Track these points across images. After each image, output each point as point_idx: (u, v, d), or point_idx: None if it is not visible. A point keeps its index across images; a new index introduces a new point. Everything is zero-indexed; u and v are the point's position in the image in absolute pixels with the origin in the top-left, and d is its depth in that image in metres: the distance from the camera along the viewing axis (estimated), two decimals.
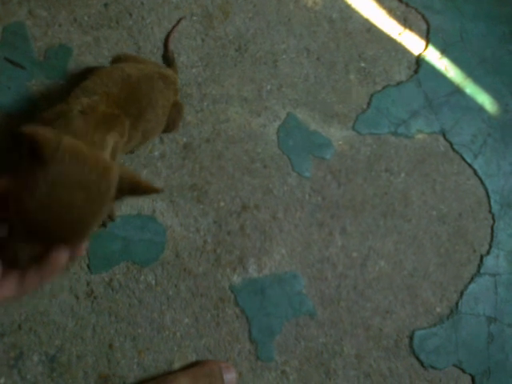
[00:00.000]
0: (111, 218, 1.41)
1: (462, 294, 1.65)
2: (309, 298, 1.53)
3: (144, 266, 1.43)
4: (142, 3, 1.62)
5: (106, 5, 1.58)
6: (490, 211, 1.75)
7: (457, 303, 1.64)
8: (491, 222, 1.75)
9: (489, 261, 1.70)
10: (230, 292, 1.47)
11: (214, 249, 1.49)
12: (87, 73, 1.26)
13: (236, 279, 1.48)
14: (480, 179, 1.77)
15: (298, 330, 1.50)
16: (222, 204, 1.53)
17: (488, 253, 1.71)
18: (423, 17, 1.88)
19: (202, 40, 1.64)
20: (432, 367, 1.57)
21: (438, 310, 1.62)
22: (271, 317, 1.48)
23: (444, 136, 1.78)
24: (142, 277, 1.42)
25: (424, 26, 1.88)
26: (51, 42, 1.51)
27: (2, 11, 1.48)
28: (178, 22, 1.63)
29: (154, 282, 1.42)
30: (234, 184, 1.56)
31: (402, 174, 1.70)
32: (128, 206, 1.46)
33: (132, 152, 1.46)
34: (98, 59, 1.53)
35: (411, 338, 1.58)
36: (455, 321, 1.62)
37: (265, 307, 1.48)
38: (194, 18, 1.65)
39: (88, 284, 1.38)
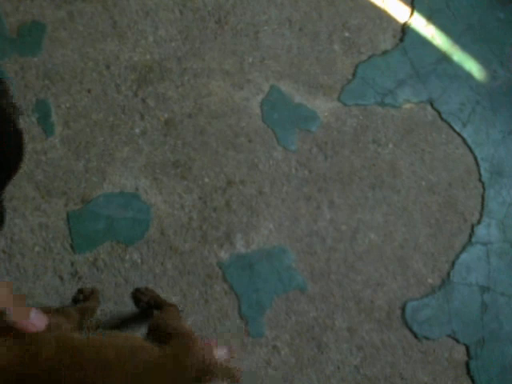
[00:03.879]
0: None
1: (453, 264, 1.63)
2: (298, 272, 1.51)
3: (129, 244, 1.39)
4: None
5: None
6: (480, 180, 1.73)
7: (448, 273, 1.62)
8: (481, 190, 1.72)
9: (480, 230, 1.68)
10: (217, 268, 1.44)
11: (199, 225, 1.46)
12: None
13: (223, 255, 1.46)
14: (469, 148, 1.75)
15: (288, 304, 1.48)
16: (206, 180, 1.50)
17: (479, 222, 1.69)
18: None
19: (180, 12, 1.59)
20: (425, 338, 1.56)
21: (430, 280, 1.60)
22: (261, 292, 1.46)
23: (432, 105, 1.75)
24: (128, 255, 1.38)
25: None
26: (23, 18, 1.46)
27: None
28: None
29: (139, 261, 1.39)
30: (218, 159, 1.52)
31: (390, 145, 1.67)
32: (110, 185, 1.42)
33: None
34: (72, 35, 1.48)
35: (403, 309, 1.56)
36: (447, 291, 1.60)
37: (254, 283, 1.46)
38: None
39: (72, 264, 1.35)
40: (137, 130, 1.47)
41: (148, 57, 1.53)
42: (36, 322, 0.63)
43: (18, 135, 0.59)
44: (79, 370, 0.70)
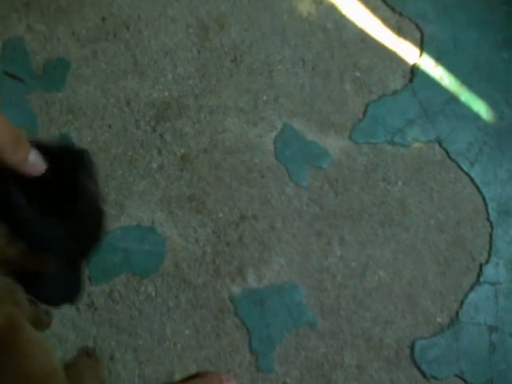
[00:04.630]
0: None
1: (462, 303, 1.65)
2: (309, 308, 1.53)
3: (144, 277, 1.42)
4: (139, 17, 1.63)
5: (103, 19, 1.59)
6: (488, 219, 1.76)
7: (457, 312, 1.63)
8: (489, 229, 1.75)
9: (488, 269, 1.70)
10: (229, 303, 1.47)
11: (213, 259, 1.49)
12: None
13: (235, 290, 1.48)
14: (477, 187, 1.78)
15: (298, 340, 1.49)
16: (220, 214, 1.53)
17: (487, 261, 1.71)
18: (417, 26, 1.90)
19: (198, 51, 1.65)
20: (434, 377, 1.57)
21: (439, 319, 1.61)
22: (271, 327, 1.48)
23: (440, 144, 1.79)
24: (143, 288, 1.41)
25: (418, 35, 1.90)
26: (50, 55, 1.52)
27: (2, 26, 1.50)
28: None
29: (154, 293, 1.42)
30: (231, 194, 1.56)
31: (399, 183, 1.71)
32: (127, 217, 1.46)
33: None
34: (96, 72, 1.54)
35: (412, 348, 1.57)
36: (456, 330, 1.61)
37: (265, 318, 1.48)
38: (190, 29, 1.66)
39: (89, 295, 1.38)
40: (154, 165, 1.52)
41: (166, 94, 1.58)
42: (37, 162, 0.53)
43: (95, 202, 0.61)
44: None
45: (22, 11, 1.52)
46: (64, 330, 1.34)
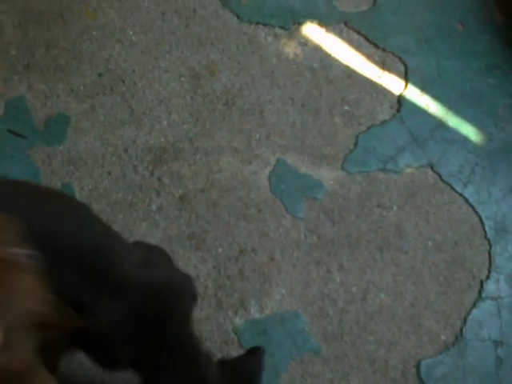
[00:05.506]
0: None
1: (465, 320, 1.66)
2: (312, 335, 1.55)
3: None
4: (134, 70, 1.74)
5: (100, 74, 1.71)
6: (486, 237, 1.78)
7: (461, 330, 1.64)
8: (488, 247, 1.77)
9: (489, 285, 1.71)
10: (233, 334, 1.50)
11: (214, 293, 1.53)
12: None
13: (238, 321, 1.52)
14: (472, 207, 1.81)
15: (303, 367, 1.51)
16: (220, 250, 1.59)
17: (488, 277, 1.72)
18: (400, 59, 1.98)
19: (191, 98, 1.75)
20: None
21: (443, 337, 1.62)
22: (275, 356, 1.50)
23: (432, 168, 1.83)
24: None
25: (402, 68, 1.97)
26: (50, 112, 1.63)
27: (4, 88, 1.62)
28: None
29: None
30: (230, 230, 1.62)
31: (395, 208, 1.75)
32: None
33: None
34: (94, 124, 1.64)
35: (418, 367, 1.58)
36: (461, 347, 1.62)
37: (268, 347, 1.50)
38: (183, 78, 1.77)
39: None
40: (153, 207, 1.59)
41: (162, 139, 1.68)
42: None
43: None
44: None
45: (23, 72, 1.64)
46: (70, 372, 1.37)
